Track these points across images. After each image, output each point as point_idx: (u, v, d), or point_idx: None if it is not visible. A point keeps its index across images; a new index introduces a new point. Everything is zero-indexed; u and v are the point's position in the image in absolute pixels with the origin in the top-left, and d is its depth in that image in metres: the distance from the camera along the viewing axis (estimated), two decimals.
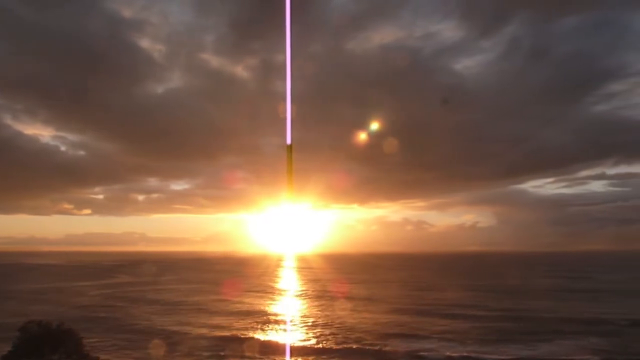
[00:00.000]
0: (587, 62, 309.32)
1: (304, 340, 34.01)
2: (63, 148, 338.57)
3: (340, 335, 34.74)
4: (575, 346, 32.82)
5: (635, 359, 30.06)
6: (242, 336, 35.34)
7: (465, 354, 30.45)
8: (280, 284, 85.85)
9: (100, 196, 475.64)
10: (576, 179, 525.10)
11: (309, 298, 58.66)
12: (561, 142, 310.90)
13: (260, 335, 35.76)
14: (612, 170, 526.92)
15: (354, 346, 32.06)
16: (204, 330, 37.20)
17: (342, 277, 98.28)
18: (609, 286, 79.08)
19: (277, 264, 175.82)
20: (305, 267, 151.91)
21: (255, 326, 39.42)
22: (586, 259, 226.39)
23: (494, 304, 52.09)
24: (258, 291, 67.20)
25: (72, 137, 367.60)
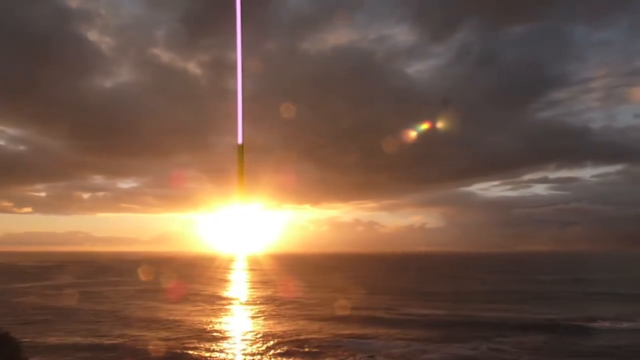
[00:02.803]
0: (532, 70, 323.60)
1: (254, 354, 32.36)
2: (2, 142, 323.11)
3: (292, 347, 33.67)
4: (515, 345, 34.09)
5: (572, 357, 31.48)
6: (184, 352, 32.46)
7: (409, 356, 31.10)
8: (228, 287, 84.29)
9: (42, 194, 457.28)
10: (520, 182, 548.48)
11: (259, 304, 57.10)
12: (507, 146, 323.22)
13: (204, 351, 32.95)
14: (554, 175, 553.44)
15: None
16: (142, 345, 34.21)
17: (293, 279, 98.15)
18: (550, 287, 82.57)
19: (227, 265, 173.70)
20: (256, 268, 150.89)
21: (200, 338, 36.43)
22: (529, 259, 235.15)
23: (438, 306, 53.37)
24: (204, 296, 64.54)
25: (12, 131, 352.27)
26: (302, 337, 36.38)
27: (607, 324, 41.72)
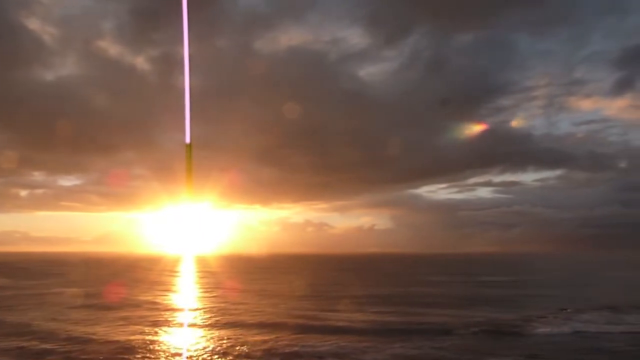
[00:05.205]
0: (479, 77, 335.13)
1: None
2: None
3: (239, 357, 32.69)
4: (458, 345, 35.02)
5: (509, 356, 32.52)
6: None
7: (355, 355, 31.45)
8: (171, 292, 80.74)
9: None
10: (466, 185, 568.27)
11: (203, 310, 53.77)
12: (454, 150, 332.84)
13: None
14: (497, 178, 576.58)
15: None
16: None
17: (240, 283, 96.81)
18: (492, 288, 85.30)
19: (173, 267, 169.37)
20: (203, 270, 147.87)
21: (135, 353, 32.26)
22: (473, 260, 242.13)
23: (386, 310, 54.07)
24: (143, 302, 60.04)
25: None
26: (248, 345, 35.46)
27: (544, 325, 43.37)
